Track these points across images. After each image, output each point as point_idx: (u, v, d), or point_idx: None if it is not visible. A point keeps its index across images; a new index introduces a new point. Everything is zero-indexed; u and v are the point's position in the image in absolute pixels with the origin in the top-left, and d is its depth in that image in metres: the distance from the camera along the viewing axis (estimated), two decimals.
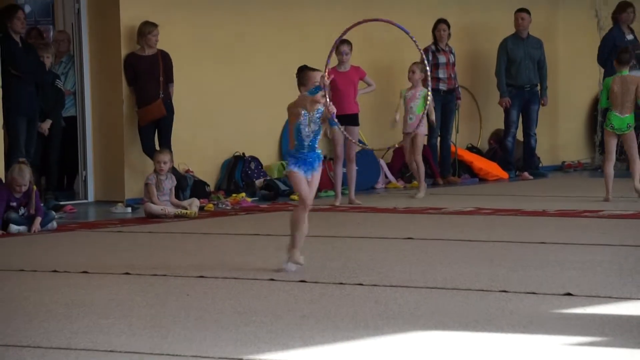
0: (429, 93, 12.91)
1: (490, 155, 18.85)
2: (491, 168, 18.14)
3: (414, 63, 15.88)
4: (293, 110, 9.84)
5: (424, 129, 15.98)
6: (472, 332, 7.56)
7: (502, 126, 18.73)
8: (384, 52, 18.22)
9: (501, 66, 18.40)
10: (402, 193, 16.76)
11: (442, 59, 17.67)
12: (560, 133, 20.11)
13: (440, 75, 17.72)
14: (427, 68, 12.26)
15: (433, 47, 17.72)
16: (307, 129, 9.84)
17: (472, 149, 18.81)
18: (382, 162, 17.62)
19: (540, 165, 18.94)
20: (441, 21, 17.75)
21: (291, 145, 9.95)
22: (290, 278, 9.59)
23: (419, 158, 15.78)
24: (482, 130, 19.37)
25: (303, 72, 9.99)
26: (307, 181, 9.93)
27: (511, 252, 11.18)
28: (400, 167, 17.67)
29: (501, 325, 7.74)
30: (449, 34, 17.76)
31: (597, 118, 19.91)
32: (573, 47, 20.08)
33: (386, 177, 17.50)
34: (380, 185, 17.33)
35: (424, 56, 11.95)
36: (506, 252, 11.19)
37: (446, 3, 18.71)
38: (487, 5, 19.27)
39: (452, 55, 17.83)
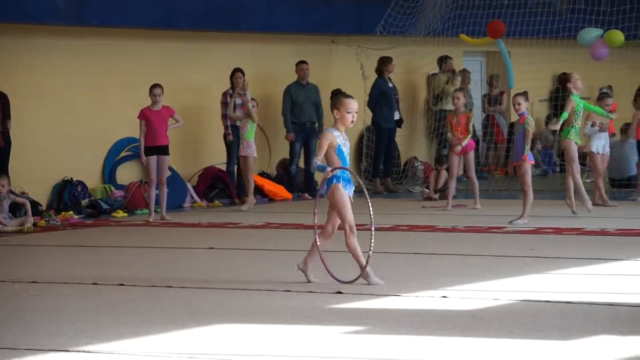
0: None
1: (277, 179, 18.96)
2: (278, 190, 18.26)
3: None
4: (326, 142, 9.12)
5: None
6: (261, 324, 7.61)
7: (287, 156, 18.88)
8: (190, 95, 18.24)
9: (286, 107, 18.54)
10: (205, 210, 16.73)
11: (238, 101, 17.71)
12: None
13: (237, 114, 17.75)
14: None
15: (231, 91, 17.76)
16: (345, 149, 9.24)
17: (263, 174, 18.89)
18: (189, 185, 17.58)
19: (318, 187, 19.13)
20: (237, 70, 17.82)
21: (331, 169, 9.10)
22: (110, 282, 9.49)
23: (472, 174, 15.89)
24: (271, 159, 19.47)
25: (337, 97, 9.34)
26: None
27: (292, 258, 11.28)
28: (204, 189, 17.66)
29: (286, 318, 7.81)
30: (244, 80, 17.84)
31: (362, 150, 20.25)
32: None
33: (192, 197, 17.45)
34: (187, 204, 17.26)
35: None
36: (289, 259, 11.28)
37: (242, 54, 18.79)
38: (274, 56, 19.42)
39: (245, 98, 17.87)
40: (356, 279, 9.05)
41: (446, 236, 12.80)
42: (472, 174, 15.75)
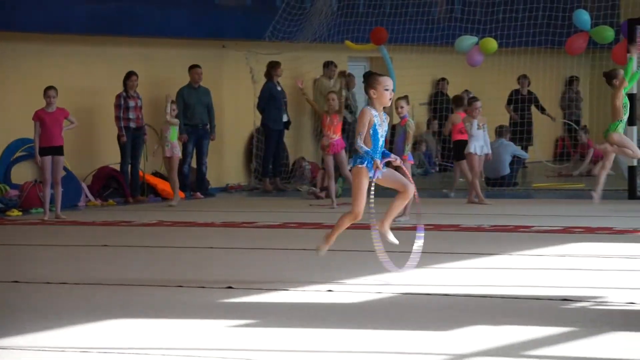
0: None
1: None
2: (172, 189, 18.10)
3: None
4: (366, 119, 8.66)
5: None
6: (153, 319, 7.54)
7: (181, 156, 18.73)
8: (85, 97, 18.01)
9: (179, 110, 18.39)
10: (100, 209, 16.52)
11: (131, 103, 17.54)
12: (225, 161, 20.28)
13: (131, 116, 17.59)
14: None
15: (124, 94, 17.57)
16: (380, 130, 8.75)
17: (156, 174, 18.72)
18: (84, 184, 17.33)
19: (210, 187, 19.04)
20: (131, 73, 17.63)
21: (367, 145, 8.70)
22: (4, 279, 9.31)
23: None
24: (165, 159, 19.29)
25: (373, 77, 8.81)
26: (370, 182, 8.77)
27: (185, 255, 11.22)
28: (98, 189, 17.44)
29: (177, 312, 7.75)
30: (137, 84, 17.68)
31: (252, 150, 20.23)
32: (235, 95, 20.32)
33: (87, 196, 17.20)
34: (82, 203, 17.01)
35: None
36: (181, 255, 11.21)
37: (136, 58, 18.59)
38: (167, 60, 19.26)
39: (139, 100, 17.74)
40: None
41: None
42: (346, 171, 15.80)
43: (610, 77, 14.83)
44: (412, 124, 13.89)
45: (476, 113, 15.87)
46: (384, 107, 8.79)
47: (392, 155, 8.99)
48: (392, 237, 9.13)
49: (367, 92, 8.79)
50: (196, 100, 18.49)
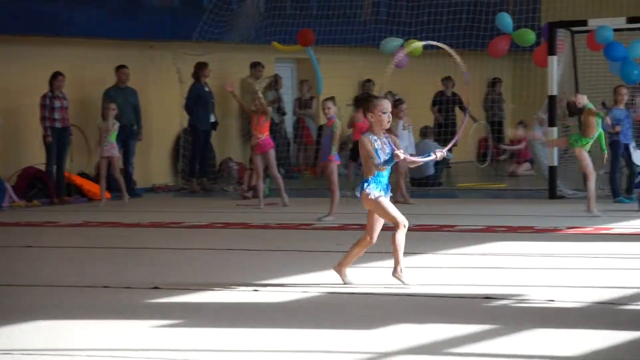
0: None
1: (97, 179, 18.60)
2: (98, 190, 17.89)
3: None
4: (369, 146, 8.39)
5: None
6: (78, 320, 7.46)
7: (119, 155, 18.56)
8: (10, 97, 17.78)
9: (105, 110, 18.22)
10: (24, 210, 16.30)
11: (57, 103, 17.33)
12: (152, 162, 20.14)
13: (56, 117, 17.37)
14: None
15: (50, 94, 17.35)
16: (382, 155, 8.42)
17: (82, 174, 18.52)
18: (8, 185, 17.07)
19: (137, 187, 18.88)
20: (58, 73, 17.43)
21: (370, 173, 8.46)
22: None
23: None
24: (91, 159, 19.10)
25: (369, 101, 8.52)
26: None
27: (111, 255, 11.11)
28: (23, 189, 17.19)
29: (103, 313, 7.66)
30: (64, 84, 17.49)
31: (179, 151, 20.12)
32: (162, 95, 20.19)
33: (11, 197, 16.95)
34: (6, 204, 16.75)
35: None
36: (107, 256, 11.11)
37: (62, 59, 18.36)
38: (94, 61, 19.06)
39: (65, 101, 17.53)
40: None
41: (259, 233, 12.82)
42: (275, 171, 15.78)
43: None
44: (338, 124, 13.91)
45: (402, 114, 15.95)
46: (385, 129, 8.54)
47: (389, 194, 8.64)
48: (348, 278, 8.76)
49: (364, 115, 8.57)
50: (123, 100, 18.32)
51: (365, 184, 8.44)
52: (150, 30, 19.74)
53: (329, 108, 13.89)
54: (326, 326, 7.07)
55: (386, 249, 10.76)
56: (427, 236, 11.98)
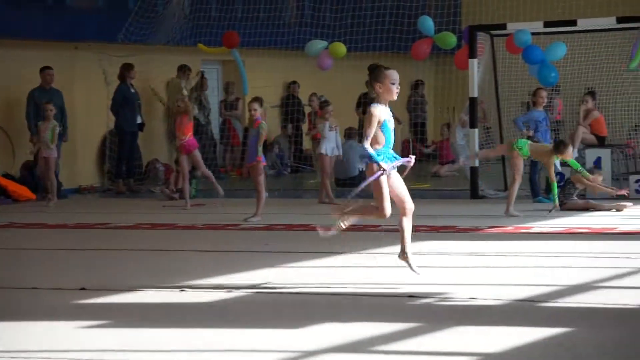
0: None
1: (21, 180, 18.40)
2: (22, 191, 17.71)
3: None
4: (375, 119, 8.17)
5: None
6: (5, 322, 7.38)
7: (31, 158, 18.31)
8: None
9: (29, 111, 18.03)
10: None
11: None
12: (78, 163, 19.95)
13: None
14: None
15: None
16: (390, 125, 8.30)
17: (7, 175, 18.29)
18: None
19: (63, 188, 18.70)
20: None
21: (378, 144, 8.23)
22: None
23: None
24: (17, 160, 18.87)
25: (379, 70, 8.28)
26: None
27: (41, 256, 11.00)
28: None
29: (30, 315, 7.59)
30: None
31: (105, 152, 19.97)
32: (87, 97, 20.01)
33: None
34: None
35: None
36: (37, 257, 10.99)
37: None
38: (19, 62, 18.83)
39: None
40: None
41: (186, 233, 12.78)
42: (204, 169, 15.80)
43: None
44: (265, 125, 13.93)
45: (328, 116, 16.02)
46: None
47: (404, 159, 8.40)
48: (415, 267, 8.46)
49: (372, 85, 8.35)
50: (48, 101, 18.11)
51: (372, 160, 8.19)
52: (75, 31, 19.55)
53: (255, 109, 13.90)
54: (252, 325, 7.09)
55: (312, 249, 10.82)
56: (351, 236, 12.04)
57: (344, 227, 8.61)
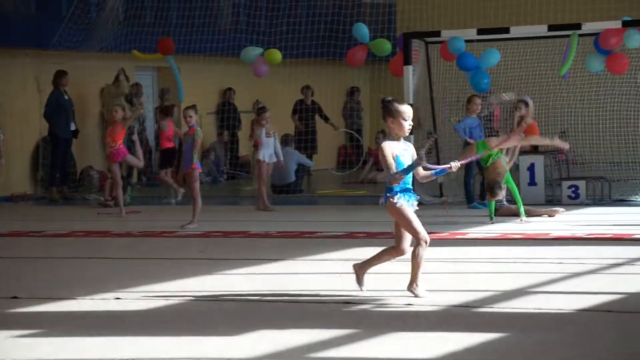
0: None
1: None
2: None
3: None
4: (389, 153, 7.96)
5: None
6: None
7: None
8: None
9: None
10: None
11: None
12: (10, 170, 19.64)
13: None
14: None
15: None
16: (404, 160, 8.00)
17: None
18: None
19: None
20: None
21: (395, 181, 8.01)
22: None
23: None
24: None
25: (392, 105, 8.05)
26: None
27: None
28: None
29: None
30: None
31: (38, 159, 19.73)
32: (20, 103, 19.75)
33: None
34: None
35: None
36: None
37: None
38: None
39: None
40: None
41: (121, 241, 12.65)
42: (123, 172, 15.83)
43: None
44: (200, 132, 13.86)
45: (264, 122, 15.97)
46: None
47: (444, 166, 8.19)
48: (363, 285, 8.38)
49: (384, 119, 8.15)
50: None
51: (391, 193, 8.04)
52: (7, 37, 19.29)
53: (190, 116, 13.83)
54: (189, 333, 7.02)
55: (249, 256, 10.77)
56: (288, 243, 12.02)
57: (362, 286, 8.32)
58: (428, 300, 7.95)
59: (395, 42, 17.94)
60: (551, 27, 16.65)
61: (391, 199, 8.02)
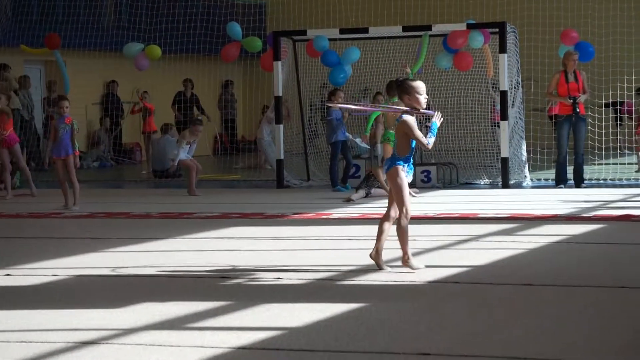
0: None
1: None
2: None
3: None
4: (415, 124, 7.80)
5: None
6: None
7: None
8: None
9: None
10: None
11: None
12: None
13: None
14: None
15: None
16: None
17: None
18: None
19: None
20: None
21: (404, 152, 7.90)
22: None
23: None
24: None
25: (406, 83, 7.90)
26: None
27: None
28: None
29: None
30: None
31: None
32: None
33: None
34: None
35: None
36: None
37: None
38: None
39: None
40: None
41: (10, 222, 12.36)
42: (22, 164, 15.55)
43: None
44: (75, 123, 13.71)
45: (198, 134, 15.86)
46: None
47: (430, 111, 8.09)
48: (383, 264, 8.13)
49: (400, 99, 7.99)
50: None
51: (398, 163, 7.90)
52: None
53: (66, 107, 13.64)
54: (75, 306, 6.91)
55: (131, 235, 10.64)
56: (168, 223, 11.93)
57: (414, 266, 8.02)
58: (296, 274, 7.99)
59: (266, 39, 17.94)
60: (405, 28, 16.90)
61: (398, 167, 7.89)
